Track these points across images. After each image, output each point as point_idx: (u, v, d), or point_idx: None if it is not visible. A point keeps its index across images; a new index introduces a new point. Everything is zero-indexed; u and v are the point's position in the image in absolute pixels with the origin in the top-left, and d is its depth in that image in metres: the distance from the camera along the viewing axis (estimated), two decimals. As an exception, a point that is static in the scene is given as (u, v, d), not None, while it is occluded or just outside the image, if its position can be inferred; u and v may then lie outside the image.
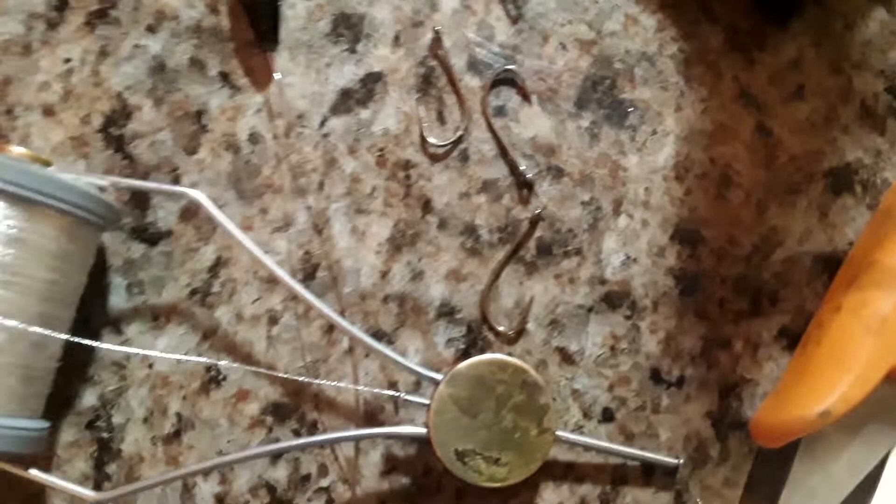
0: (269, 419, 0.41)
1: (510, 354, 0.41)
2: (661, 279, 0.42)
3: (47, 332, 0.35)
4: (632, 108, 0.43)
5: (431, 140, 0.42)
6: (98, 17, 0.43)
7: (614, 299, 0.42)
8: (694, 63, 0.44)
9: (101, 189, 0.39)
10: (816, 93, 0.43)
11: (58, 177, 0.36)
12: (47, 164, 0.37)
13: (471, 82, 0.43)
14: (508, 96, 0.43)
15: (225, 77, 0.43)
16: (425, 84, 0.43)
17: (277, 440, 0.41)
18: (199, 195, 0.38)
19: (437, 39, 0.43)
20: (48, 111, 0.42)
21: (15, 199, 0.34)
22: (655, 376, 0.42)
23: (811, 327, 0.40)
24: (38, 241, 0.35)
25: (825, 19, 0.44)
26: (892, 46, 0.44)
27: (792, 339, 0.42)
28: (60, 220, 0.36)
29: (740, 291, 0.42)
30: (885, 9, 0.44)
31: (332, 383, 0.41)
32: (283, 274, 0.38)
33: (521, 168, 0.42)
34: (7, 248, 0.34)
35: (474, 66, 0.43)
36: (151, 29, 0.43)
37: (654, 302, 0.42)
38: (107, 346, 0.39)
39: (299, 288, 0.38)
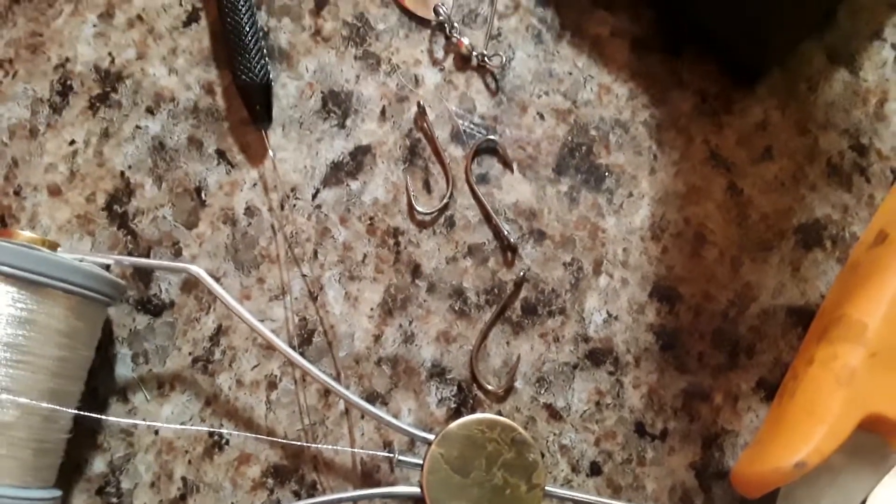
0: (271, 481, 0.43)
1: (500, 412, 0.42)
2: (641, 335, 0.44)
3: (58, 407, 0.37)
4: (608, 173, 0.45)
5: (419, 208, 0.45)
6: (100, 101, 0.45)
7: (598, 356, 0.44)
8: (665, 128, 0.46)
9: (106, 266, 0.41)
10: (784, 153, 0.46)
11: (64, 259, 0.38)
12: (54, 245, 0.39)
13: (455, 152, 0.46)
14: (490, 164, 0.46)
15: (221, 154, 0.45)
16: (411, 155, 0.46)
17: (278, 502, 0.42)
18: (198, 271, 0.40)
19: (421, 113, 0.46)
20: (54, 191, 0.45)
21: (24, 283, 0.36)
22: (640, 430, 0.43)
23: (786, 379, 0.42)
24: (47, 322, 0.37)
25: (790, 82, 0.46)
26: (855, 105, 0.46)
27: (770, 390, 0.43)
28: (68, 300, 0.38)
29: (718, 345, 0.44)
30: (846, 70, 0.47)
31: (329, 446, 0.42)
32: (279, 342, 0.40)
33: (505, 232, 0.44)
34: (18, 330, 0.36)
35: (457, 136, 0.46)
36: (151, 111, 0.46)
37: (635, 358, 0.44)
38: (112, 418, 0.41)
39: (295, 355, 0.40)
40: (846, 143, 0.46)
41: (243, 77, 0.44)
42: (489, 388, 0.43)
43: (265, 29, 0.46)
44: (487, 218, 0.45)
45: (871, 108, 0.46)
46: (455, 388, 0.44)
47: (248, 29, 0.44)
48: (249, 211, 0.45)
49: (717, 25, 0.45)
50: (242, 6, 0.45)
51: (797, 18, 0.44)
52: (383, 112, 0.46)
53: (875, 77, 0.47)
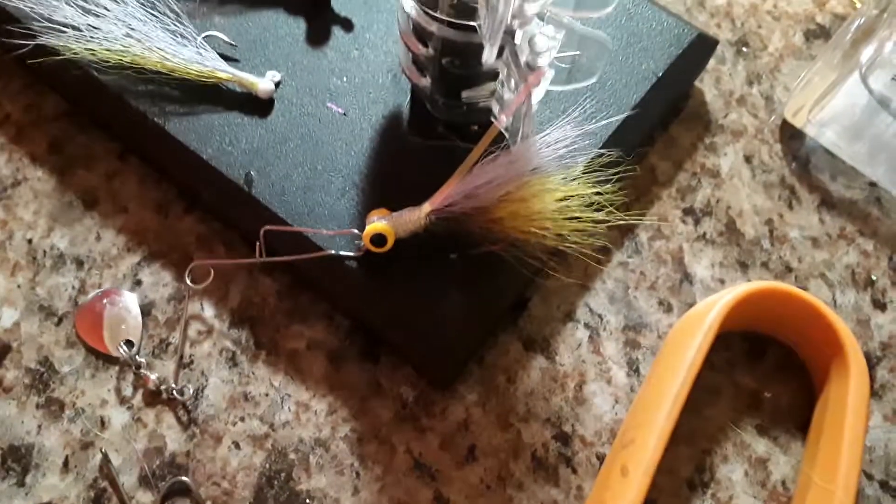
0: None
1: None
2: None
3: None
4: (309, 500, 0.43)
5: (98, 573, 0.41)
6: None
7: None
8: (367, 441, 0.45)
9: None
10: (488, 452, 0.45)
11: None
12: None
13: (144, 498, 0.43)
14: (183, 507, 0.43)
15: None
16: (96, 508, 0.43)
17: None
18: None
19: (105, 460, 0.43)
20: None
21: None
22: None
23: None
24: None
25: (488, 376, 0.47)
26: (554, 392, 0.46)
27: None
28: None
29: None
30: (543, 356, 0.47)
31: None
32: None
33: (195, 586, 0.41)
34: None
35: (146, 481, 0.43)
36: None
37: None
38: None
39: None
40: (549, 433, 0.46)
41: None
42: None
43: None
44: (179, 569, 0.42)
45: (570, 392, 0.47)
46: None
47: None
48: None
49: (399, 336, 0.45)
50: None
51: (478, 325, 0.45)
52: (66, 463, 0.44)
53: (571, 359, 0.47)
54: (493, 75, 0.42)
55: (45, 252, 0.48)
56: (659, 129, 0.53)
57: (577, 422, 0.46)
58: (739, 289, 0.45)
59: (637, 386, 0.47)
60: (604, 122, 0.45)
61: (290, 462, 0.44)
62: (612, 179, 0.44)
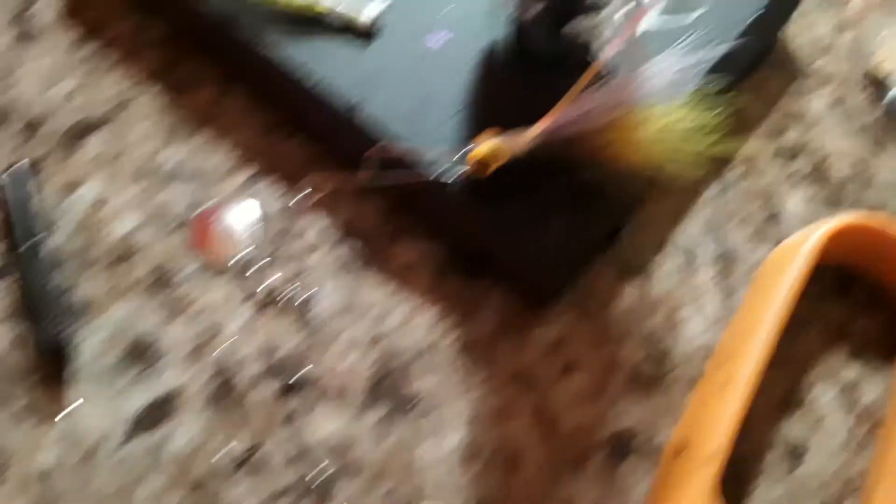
0: None
1: None
2: (460, 569, 0.43)
3: None
4: (418, 399, 0.46)
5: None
6: None
7: None
8: (471, 349, 0.47)
9: None
10: (583, 367, 0.47)
11: None
12: None
13: (265, 391, 0.46)
14: (301, 400, 0.46)
15: (27, 410, 0.44)
16: (217, 397, 0.45)
17: None
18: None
19: (226, 355, 0.46)
20: None
21: None
22: None
23: None
24: None
25: (584, 299, 0.49)
26: (649, 314, 0.49)
27: None
28: None
29: (538, 571, 0.43)
30: (637, 281, 0.49)
31: None
32: None
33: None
34: None
35: (269, 371, 0.46)
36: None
37: None
38: None
39: None
40: (643, 353, 0.48)
41: (40, 339, 0.44)
42: None
43: (68, 284, 0.47)
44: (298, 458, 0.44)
45: (663, 317, 0.49)
46: None
47: (39, 289, 0.45)
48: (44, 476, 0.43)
49: (504, 256, 0.47)
50: (32, 267, 0.46)
51: (579, 248, 0.47)
52: (188, 357, 0.46)
53: (665, 286, 0.49)
54: (602, 6, 0.44)
55: (159, 165, 0.51)
56: (750, 71, 0.55)
57: (671, 344, 0.48)
58: (835, 220, 0.46)
59: (730, 314, 0.49)
60: (707, 55, 0.47)
61: (399, 365, 0.47)
62: (713, 111, 0.46)
